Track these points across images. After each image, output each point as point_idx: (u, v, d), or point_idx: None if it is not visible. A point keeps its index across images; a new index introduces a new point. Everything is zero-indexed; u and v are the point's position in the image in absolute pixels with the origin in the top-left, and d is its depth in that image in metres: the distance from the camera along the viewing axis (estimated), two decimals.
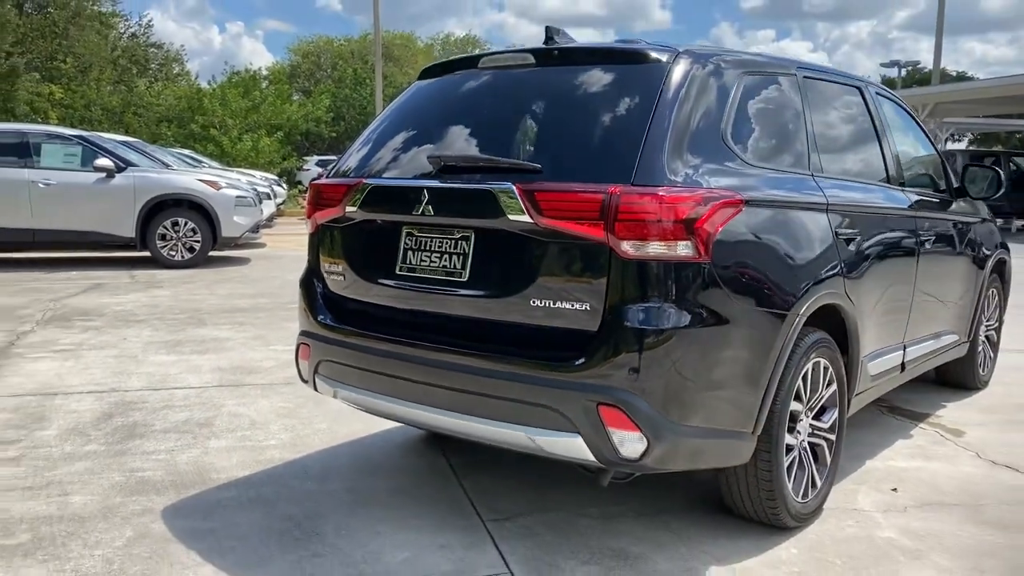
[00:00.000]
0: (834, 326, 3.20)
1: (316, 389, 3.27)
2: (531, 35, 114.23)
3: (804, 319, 2.87)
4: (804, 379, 3.00)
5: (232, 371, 5.33)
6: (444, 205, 2.79)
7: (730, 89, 2.88)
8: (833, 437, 3.26)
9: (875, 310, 3.49)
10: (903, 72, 49.19)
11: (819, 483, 3.18)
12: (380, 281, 3.02)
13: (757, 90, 3.06)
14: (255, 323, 6.94)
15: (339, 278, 3.18)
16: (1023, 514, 3.30)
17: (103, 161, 10.38)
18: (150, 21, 48.87)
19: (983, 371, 5.16)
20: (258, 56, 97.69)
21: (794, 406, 2.97)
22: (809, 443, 3.15)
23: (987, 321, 5.15)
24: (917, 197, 4.05)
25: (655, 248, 2.46)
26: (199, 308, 7.71)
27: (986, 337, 5.20)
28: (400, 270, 2.95)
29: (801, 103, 3.26)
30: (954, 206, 4.56)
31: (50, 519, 3.08)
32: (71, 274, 9.97)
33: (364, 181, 3.05)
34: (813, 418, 3.16)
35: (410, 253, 2.92)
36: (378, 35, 24.46)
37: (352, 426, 4.17)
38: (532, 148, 2.81)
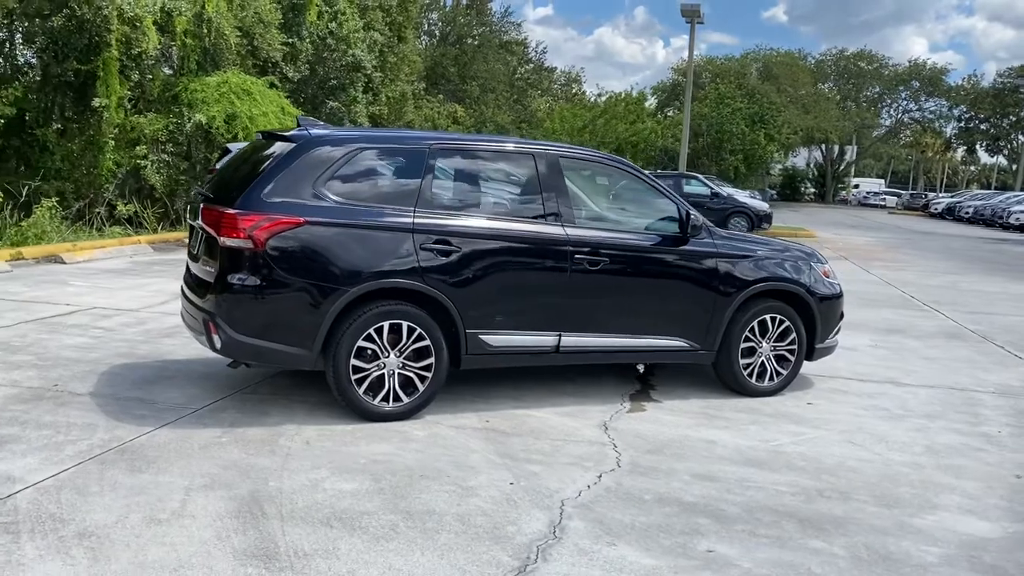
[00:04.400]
0: (430, 304, 5.15)
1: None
2: (1003, 40, 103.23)
3: (359, 294, 4.94)
4: (379, 331, 5.05)
5: None
6: (197, 216, 5.37)
7: (336, 158, 5.06)
8: (428, 374, 5.20)
9: (488, 301, 5.29)
10: None
11: (405, 399, 5.15)
12: (191, 256, 5.68)
13: (370, 159, 5.19)
14: None
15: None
16: (543, 443, 4.93)
17: None
18: (544, 48, 55.25)
19: (759, 382, 6.22)
20: None
21: (369, 346, 5.03)
22: (401, 373, 5.15)
23: (770, 342, 6.21)
24: (592, 230, 5.64)
25: (234, 242, 4.83)
26: None
27: (776, 356, 6.26)
28: (193, 250, 5.58)
29: (423, 166, 5.24)
30: (691, 244, 5.90)
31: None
32: None
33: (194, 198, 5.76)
34: (406, 359, 5.15)
35: (196, 240, 5.54)
36: (691, 62, 26.34)
37: None
38: (228, 185, 5.25)
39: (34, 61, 18.53)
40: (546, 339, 5.56)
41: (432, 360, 5.20)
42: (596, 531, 3.79)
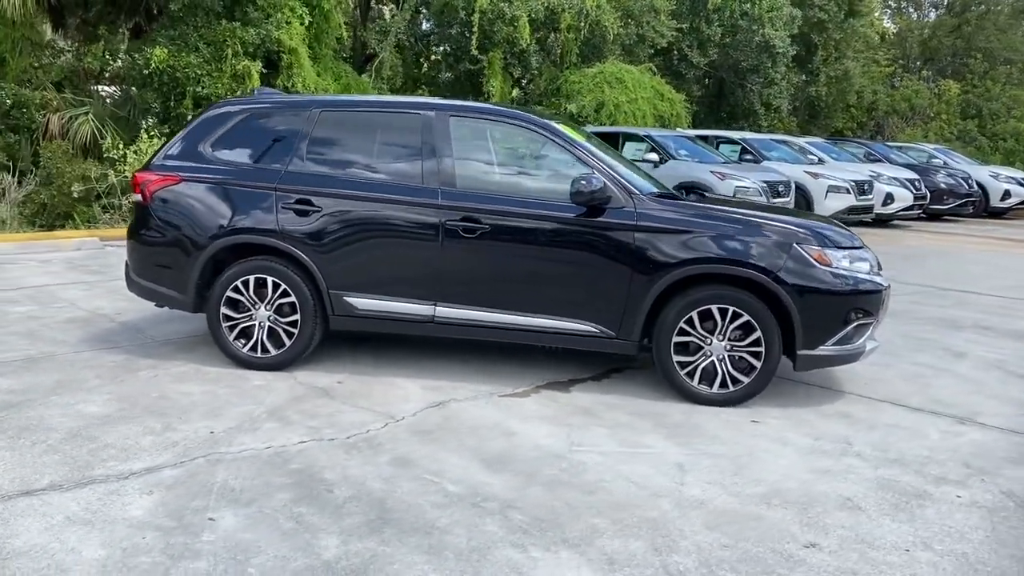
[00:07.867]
0: (293, 262, 5.35)
1: None
2: None
3: (221, 247, 5.36)
4: (246, 284, 5.40)
5: None
6: None
7: (226, 122, 5.52)
8: (295, 330, 5.40)
9: (351, 263, 5.28)
10: None
11: (272, 351, 5.42)
12: None
13: (261, 122, 5.52)
14: None
15: None
16: (333, 408, 4.85)
17: (651, 155, 13.95)
18: None
19: (707, 387, 5.06)
20: None
21: (239, 297, 5.41)
22: (270, 327, 5.44)
23: (723, 339, 5.00)
24: (472, 195, 5.19)
25: (135, 198, 5.62)
26: None
27: (734, 357, 5.04)
28: None
29: (305, 128, 5.40)
30: (607, 215, 5.08)
31: None
32: None
33: None
34: (276, 313, 5.42)
35: None
36: None
37: None
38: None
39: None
40: (420, 308, 5.31)
41: (298, 316, 5.39)
42: (151, 483, 3.73)
